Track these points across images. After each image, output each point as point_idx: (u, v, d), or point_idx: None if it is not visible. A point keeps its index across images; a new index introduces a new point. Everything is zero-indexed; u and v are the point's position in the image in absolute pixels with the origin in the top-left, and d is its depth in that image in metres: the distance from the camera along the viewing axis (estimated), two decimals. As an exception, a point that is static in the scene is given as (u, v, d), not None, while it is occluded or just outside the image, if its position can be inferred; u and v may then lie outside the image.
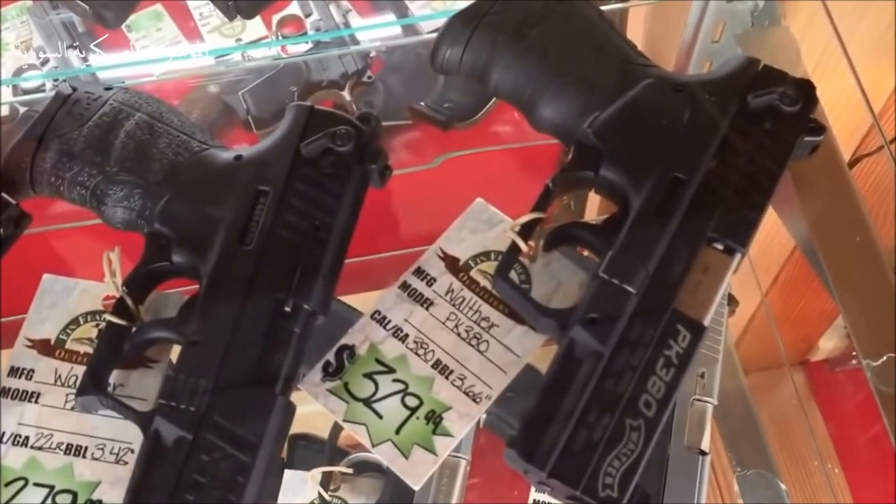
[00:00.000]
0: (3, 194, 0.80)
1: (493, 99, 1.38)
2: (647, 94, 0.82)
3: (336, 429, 1.04)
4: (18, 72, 1.39)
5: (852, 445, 1.49)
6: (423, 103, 1.39)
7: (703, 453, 0.98)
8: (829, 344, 1.83)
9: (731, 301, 1.09)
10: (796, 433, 1.25)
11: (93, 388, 0.76)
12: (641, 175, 0.79)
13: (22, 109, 1.37)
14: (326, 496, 1.01)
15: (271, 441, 0.73)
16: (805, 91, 0.81)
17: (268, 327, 0.75)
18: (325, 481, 1.01)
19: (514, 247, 0.79)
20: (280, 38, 1.47)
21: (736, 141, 0.80)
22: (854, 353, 1.82)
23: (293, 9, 1.49)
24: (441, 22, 0.86)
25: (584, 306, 0.75)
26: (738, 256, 0.77)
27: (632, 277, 0.75)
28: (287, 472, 0.99)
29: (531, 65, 0.84)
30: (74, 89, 0.84)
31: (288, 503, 1.02)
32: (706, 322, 0.75)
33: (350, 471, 1.02)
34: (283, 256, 0.77)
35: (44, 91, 1.34)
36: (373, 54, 1.47)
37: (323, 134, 0.80)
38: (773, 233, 1.45)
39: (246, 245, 0.77)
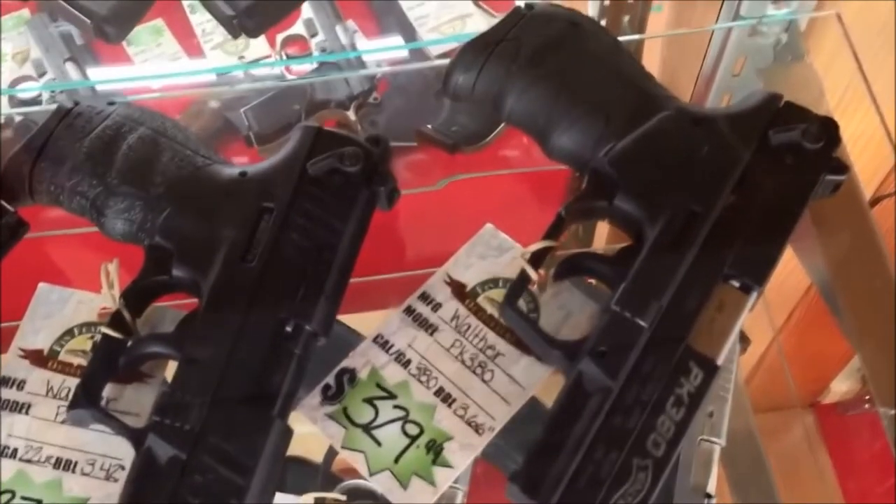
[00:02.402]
0: (2, 202, 0.78)
1: (502, 124, 1.37)
2: (665, 126, 0.80)
3: (330, 453, 1.02)
4: (14, 83, 1.38)
5: (862, 496, 1.47)
6: (429, 126, 1.37)
7: (709, 496, 0.95)
8: (841, 387, 1.81)
9: (743, 339, 1.06)
10: (804, 478, 1.23)
11: (85, 402, 0.74)
12: (657, 207, 0.77)
13: (17, 119, 1.36)
14: (321, 522, 0.99)
15: (267, 464, 0.71)
16: (828, 129, 0.79)
17: (267, 347, 0.73)
18: None
19: (523, 275, 0.77)
20: (284, 57, 1.46)
21: (755, 177, 0.78)
22: (867, 398, 1.80)
23: (298, 28, 1.48)
24: (449, 46, 0.84)
25: (595, 339, 0.73)
26: (754, 295, 0.75)
27: (644, 311, 0.73)
28: (277, 496, 0.97)
29: (546, 93, 0.82)
30: (76, 104, 0.82)
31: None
32: (720, 361, 0.73)
33: (344, 498, 0.99)
34: (285, 276, 0.75)
35: (40, 103, 1.33)
36: (379, 76, 1.46)
37: (330, 154, 0.79)
38: (788, 271, 1.43)
39: (248, 262, 0.76)
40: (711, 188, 0.77)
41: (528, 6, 0.85)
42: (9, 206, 0.79)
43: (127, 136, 0.80)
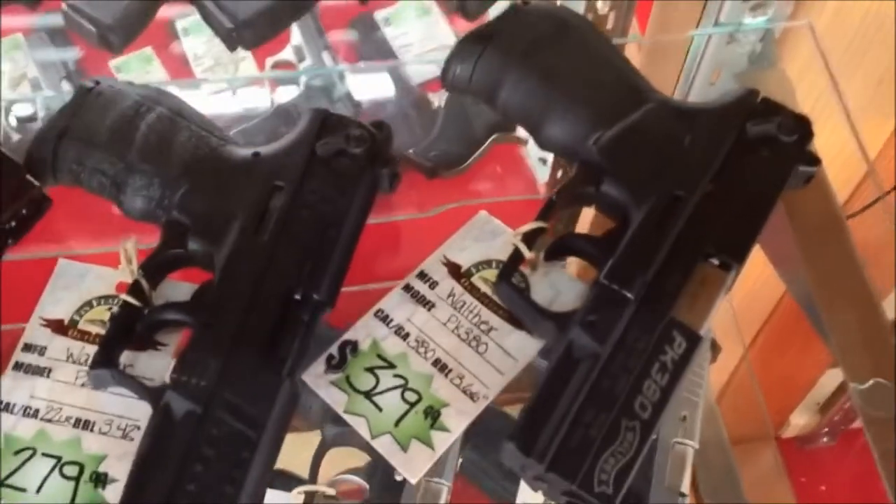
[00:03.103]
0: (29, 177, 0.83)
1: (479, 150, 1.43)
2: (651, 117, 0.85)
3: (320, 451, 1.06)
4: (10, 105, 1.42)
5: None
6: (410, 151, 1.43)
7: (683, 495, 1.00)
8: (800, 420, 1.85)
9: (714, 347, 1.12)
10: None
11: (105, 363, 0.78)
12: (642, 192, 0.82)
13: (15, 137, 1.40)
14: (309, 515, 1.03)
15: (276, 421, 0.75)
16: (802, 123, 0.85)
17: (277, 313, 0.78)
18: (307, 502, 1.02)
19: (517, 253, 0.82)
20: (271, 82, 1.51)
21: (734, 165, 0.83)
22: (825, 431, 1.85)
23: (287, 54, 1.53)
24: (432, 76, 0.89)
25: (584, 310, 0.78)
26: (732, 272, 0.80)
27: (631, 284, 0.78)
28: (268, 493, 1.01)
29: (539, 85, 0.87)
30: (98, 82, 0.87)
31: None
32: (702, 332, 0.78)
33: (333, 491, 1.03)
34: (294, 248, 0.80)
35: (36, 120, 1.37)
36: (363, 107, 1.51)
37: (338, 135, 0.84)
38: (745, 305, 1.49)
39: (260, 236, 0.80)
40: (693, 175, 0.83)
41: (524, 2, 0.90)
42: (35, 181, 0.83)
43: (146, 115, 0.85)
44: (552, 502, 0.77)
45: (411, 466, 0.79)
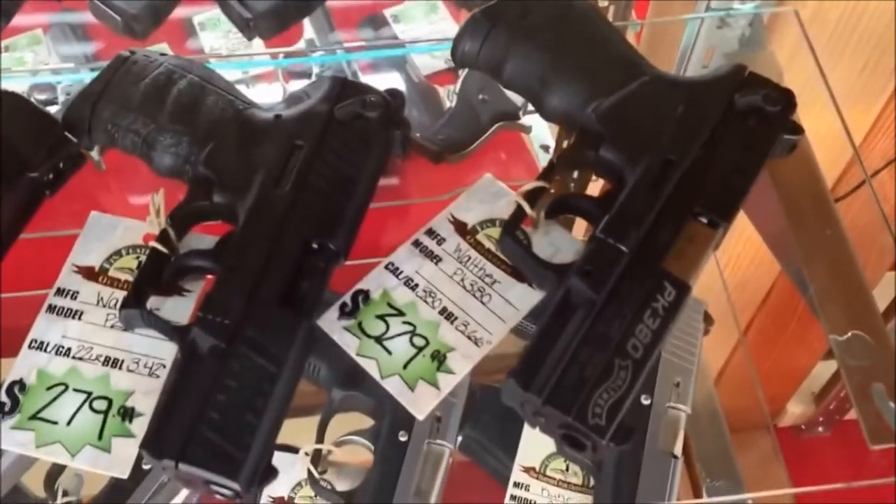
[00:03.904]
0: (67, 134, 0.89)
1: (484, 136, 1.48)
2: (646, 88, 0.91)
3: (327, 414, 1.10)
4: (30, 89, 1.47)
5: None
6: (417, 135, 1.48)
7: (675, 457, 1.05)
8: (796, 409, 1.89)
9: (707, 319, 1.16)
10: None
11: (135, 304, 0.84)
12: (637, 156, 0.88)
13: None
14: (316, 473, 1.07)
15: (294, 358, 0.81)
16: (786, 95, 0.91)
17: (296, 260, 0.84)
18: (314, 461, 1.06)
19: (519, 210, 0.88)
20: (285, 72, 1.56)
21: (722, 133, 0.89)
22: (820, 420, 1.89)
23: (299, 46, 1.59)
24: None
25: (582, 261, 0.84)
26: (720, 230, 0.86)
27: (626, 238, 0.84)
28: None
29: (544, 60, 0.93)
30: (133, 52, 0.93)
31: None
32: (691, 283, 0.83)
33: (337, 450, 1.07)
34: (313, 201, 0.86)
35: (56, 103, 1.42)
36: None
37: (355, 100, 0.90)
38: (738, 290, 1.53)
39: (280, 189, 0.86)
40: (685, 141, 0.89)
41: (530, -17, 0.97)
42: (73, 138, 0.90)
43: (177, 81, 0.91)
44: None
45: (418, 405, 0.84)
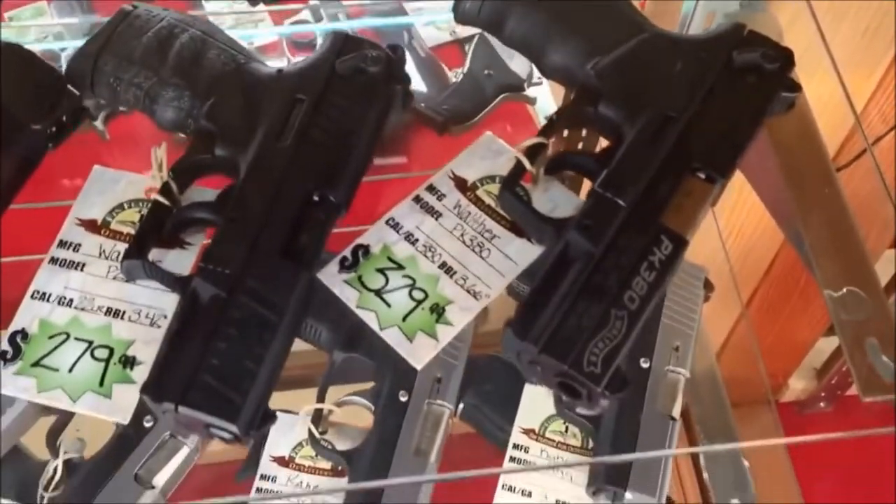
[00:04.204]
0: (70, 86, 0.90)
1: (489, 107, 1.49)
2: (645, 46, 0.92)
3: (328, 375, 1.11)
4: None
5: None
6: (422, 105, 1.49)
7: (673, 419, 1.06)
8: (798, 385, 1.90)
9: (707, 286, 1.17)
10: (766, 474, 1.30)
11: (137, 254, 0.85)
12: (636, 112, 0.89)
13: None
14: (316, 433, 1.08)
15: (295, 307, 0.82)
16: (784, 53, 0.92)
17: (297, 211, 0.85)
18: (315, 421, 1.08)
19: (519, 165, 0.89)
20: (290, 43, 1.57)
21: (721, 90, 0.90)
22: (822, 395, 1.90)
23: (304, 15, 1.60)
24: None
25: (581, 215, 0.85)
26: (717, 185, 0.87)
27: (624, 193, 0.84)
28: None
29: (544, 17, 0.94)
30: (135, 6, 0.94)
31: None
32: (688, 237, 0.84)
33: (338, 409, 1.08)
34: (314, 154, 0.87)
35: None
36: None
37: (357, 54, 0.90)
38: (740, 262, 1.54)
39: (282, 142, 0.87)
40: (683, 97, 0.89)
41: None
42: (75, 90, 0.90)
43: (179, 35, 0.92)
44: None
45: (417, 355, 0.85)
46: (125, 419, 0.82)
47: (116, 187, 0.92)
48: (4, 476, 1.01)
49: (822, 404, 1.85)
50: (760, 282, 1.59)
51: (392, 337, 0.86)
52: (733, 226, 1.45)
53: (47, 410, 0.99)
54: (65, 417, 1.01)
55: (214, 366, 0.78)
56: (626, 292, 0.81)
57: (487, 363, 1.14)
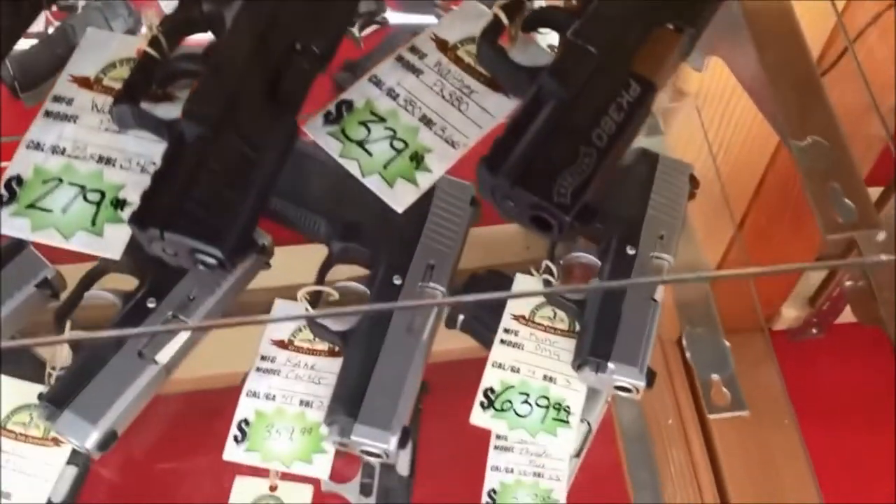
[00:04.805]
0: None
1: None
2: None
3: (326, 263, 1.13)
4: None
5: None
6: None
7: (655, 301, 1.09)
8: (791, 313, 1.92)
9: (693, 181, 1.20)
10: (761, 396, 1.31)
11: (128, 100, 0.88)
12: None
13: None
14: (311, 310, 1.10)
15: (276, 147, 0.85)
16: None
17: (280, 59, 0.88)
18: (312, 304, 1.10)
19: (497, 19, 0.92)
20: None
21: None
22: (814, 321, 1.92)
23: None
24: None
25: (553, 62, 0.88)
26: (686, 35, 0.90)
27: (595, 40, 0.88)
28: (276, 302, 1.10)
29: None
30: None
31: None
32: (656, 82, 0.87)
33: (335, 294, 1.11)
34: (297, 6, 0.90)
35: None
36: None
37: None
38: (731, 181, 1.55)
39: None
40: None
41: None
42: None
43: None
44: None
45: (397, 200, 0.89)
46: (116, 255, 0.86)
47: (108, 47, 0.95)
48: (14, 357, 1.04)
49: (814, 331, 1.87)
50: (750, 204, 1.61)
51: (374, 184, 0.89)
52: (722, 139, 1.47)
53: (54, 296, 1.02)
54: (72, 299, 1.04)
55: (198, 197, 0.82)
56: (595, 131, 0.84)
57: (487, 277, 1.18)
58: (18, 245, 0.99)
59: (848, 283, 1.75)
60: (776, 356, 1.38)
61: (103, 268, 1.02)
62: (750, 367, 1.32)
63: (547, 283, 1.12)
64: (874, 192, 1.51)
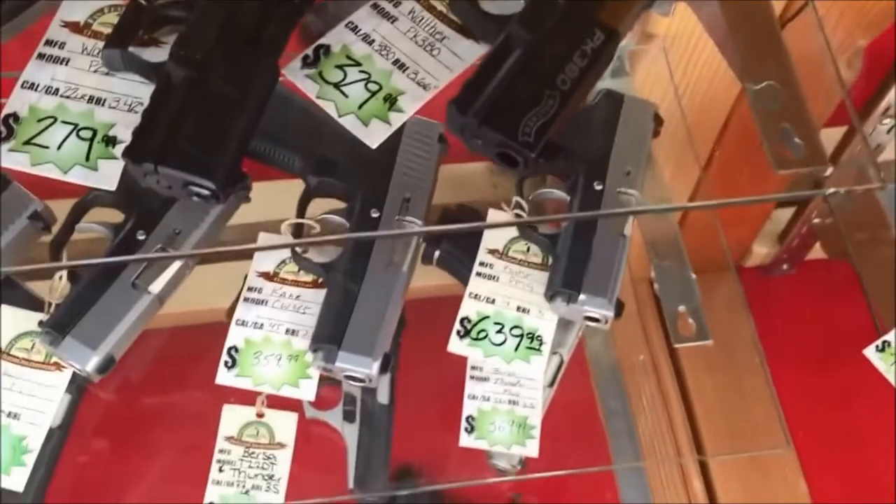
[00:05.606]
0: None
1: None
2: None
3: (305, 196, 1.17)
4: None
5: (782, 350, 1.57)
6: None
7: (624, 236, 1.14)
8: (762, 249, 1.95)
9: (657, 119, 1.25)
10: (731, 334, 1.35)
11: (118, 43, 0.93)
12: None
13: None
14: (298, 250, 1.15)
15: (258, 90, 0.91)
16: None
17: (263, 6, 0.93)
18: (296, 236, 1.14)
19: (468, -37, 0.97)
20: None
21: None
22: (784, 257, 1.95)
23: None
24: None
25: (521, 11, 0.93)
26: (651, -12, 0.95)
27: (561, -10, 0.93)
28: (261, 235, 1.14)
29: None
30: None
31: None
32: (620, 30, 0.93)
33: (317, 226, 1.15)
34: (279, -44, 0.95)
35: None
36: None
37: None
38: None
39: None
40: None
41: None
42: None
43: None
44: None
45: (371, 137, 0.94)
46: (112, 186, 0.92)
47: (99, -8, 1.00)
48: (11, 293, 1.09)
49: (784, 266, 1.91)
50: (714, 145, 1.63)
51: (349, 123, 0.94)
52: (688, 82, 1.49)
53: (47, 230, 1.07)
54: (65, 229, 1.08)
55: (188, 134, 0.87)
56: (559, 75, 0.90)
57: (459, 211, 1.23)
58: (2, 182, 1.03)
59: (816, 221, 1.79)
60: (747, 292, 1.41)
61: (91, 200, 1.07)
62: (720, 305, 1.37)
63: (518, 217, 1.16)
64: (840, 131, 1.54)
